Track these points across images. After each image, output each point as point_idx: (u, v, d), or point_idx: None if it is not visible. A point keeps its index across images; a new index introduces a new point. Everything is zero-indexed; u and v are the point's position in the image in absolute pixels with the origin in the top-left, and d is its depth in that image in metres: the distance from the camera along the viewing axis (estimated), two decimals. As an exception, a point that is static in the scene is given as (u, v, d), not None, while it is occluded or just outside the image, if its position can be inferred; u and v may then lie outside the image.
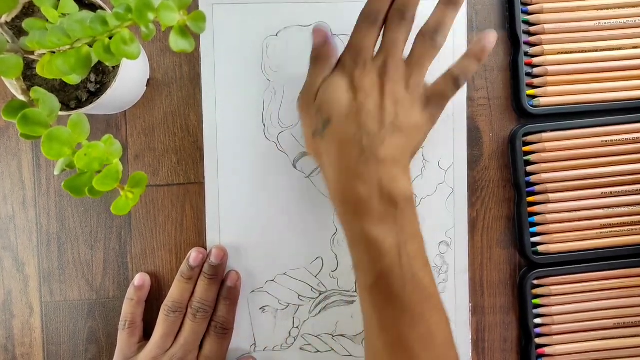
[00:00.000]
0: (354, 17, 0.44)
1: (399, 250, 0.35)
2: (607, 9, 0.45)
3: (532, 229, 0.45)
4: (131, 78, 0.40)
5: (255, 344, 0.45)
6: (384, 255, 0.35)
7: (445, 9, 0.38)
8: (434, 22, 0.38)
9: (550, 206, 0.45)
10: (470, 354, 0.46)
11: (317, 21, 0.44)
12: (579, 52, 0.45)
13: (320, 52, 0.39)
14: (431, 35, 0.38)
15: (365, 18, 0.38)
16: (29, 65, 0.36)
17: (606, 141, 0.45)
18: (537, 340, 0.45)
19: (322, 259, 0.45)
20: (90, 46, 0.26)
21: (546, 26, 0.44)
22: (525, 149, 0.45)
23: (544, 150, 0.45)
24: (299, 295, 0.45)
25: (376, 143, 0.36)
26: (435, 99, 0.39)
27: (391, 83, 0.37)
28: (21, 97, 0.30)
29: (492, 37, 0.39)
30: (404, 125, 0.37)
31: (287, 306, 0.45)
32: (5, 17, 0.35)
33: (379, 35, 0.39)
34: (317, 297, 0.45)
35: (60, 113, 0.34)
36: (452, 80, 0.38)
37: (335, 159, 0.37)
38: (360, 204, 0.36)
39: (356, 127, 0.36)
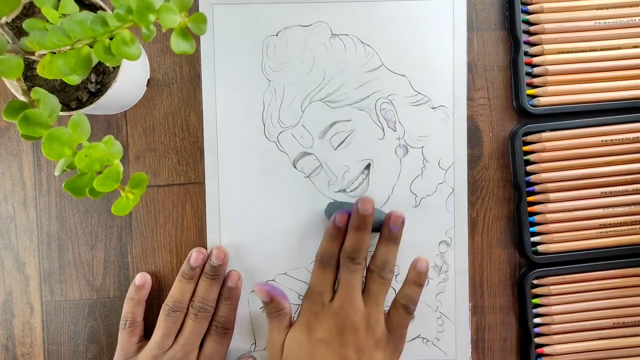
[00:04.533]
0: (353, 17, 0.44)
1: None
2: (607, 8, 0.45)
3: (532, 229, 0.45)
4: (131, 78, 0.40)
5: (255, 343, 0.45)
6: None
7: (388, 245, 0.41)
8: (380, 260, 0.41)
9: (550, 206, 0.45)
10: (470, 354, 0.46)
11: (317, 21, 0.44)
12: (579, 51, 0.45)
13: (270, 308, 0.42)
14: (380, 274, 0.41)
15: (319, 261, 0.42)
16: (30, 66, 0.36)
17: (606, 141, 0.45)
18: (537, 340, 0.45)
19: (322, 259, 0.45)
20: (91, 47, 0.26)
21: (546, 26, 0.44)
22: (525, 148, 0.45)
23: (543, 150, 0.45)
24: (299, 295, 0.45)
25: None
26: (395, 332, 0.41)
27: (351, 330, 0.39)
28: (22, 98, 0.30)
29: (423, 263, 0.42)
30: None
31: (288, 306, 0.45)
32: (6, 18, 0.35)
33: (335, 276, 0.41)
34: (317, 297, 0.45)
35: (61, 113, 0.34)
36: (403, 310, 0.41)
37: None
38: None
39: None
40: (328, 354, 0.39)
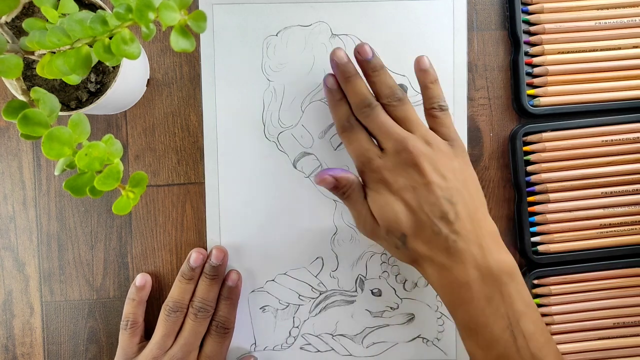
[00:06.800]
0: (353, 17, 0.44)
1: (512, 332, 0.34)
2: (607, 8, 0.45)
3: (532, 229, 0.45)
4: (131, 78, 0.40)
5: (255, 343, 0.45)
6: (496, 341, 0.34)
7: (380, 73, 0.39)
8: (386, 87, 0.39)
9: (550, 206, 0.45)
10: (471, 354, 0.46)
11: (317, 21, 0.44)
12: (579, 51, 0.45)
13: (340, 192, 0.40)
14: (391, 100, 0.39)
15: (342, 128, 0.40)
16: (29, 66, 0.36)
17: (606, 141, 0.45)
18: (537, 340, 0.45)
19: (322, 259, 0.45)
20: (91, 46, 0.26)
21: (546, 26, 0.44)
22: (526, 148, 0.45)
23: (544, 150, 0.45)
24: (299, 295, 0.45)
25: (453, 224, 0.36)
26: (449, 135, 0.39)
27: (422, 159, 0.37)
28: (21, 97, 0.30)
29: (422, 60, 0.40)
30: (457, 180, 0.37)
31: (288, 306, 0.45)
32: (5, 17, 0.35)
33: (367, 132, 0.39)
34: (317, 297, 0.45)
35: (61, 113, 0.34)
36: (439, 112, 0.39)
37: (430, 258, 0.37)
38: (463, 290, 0.35)
39: (430, 223, 0.36)
40: (416, 195, 0.37)
